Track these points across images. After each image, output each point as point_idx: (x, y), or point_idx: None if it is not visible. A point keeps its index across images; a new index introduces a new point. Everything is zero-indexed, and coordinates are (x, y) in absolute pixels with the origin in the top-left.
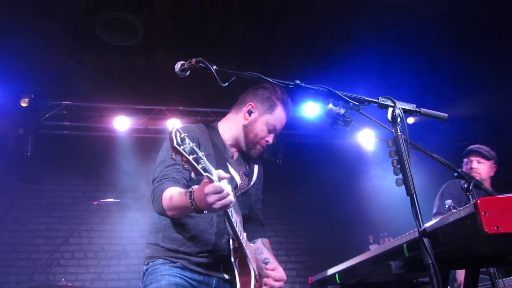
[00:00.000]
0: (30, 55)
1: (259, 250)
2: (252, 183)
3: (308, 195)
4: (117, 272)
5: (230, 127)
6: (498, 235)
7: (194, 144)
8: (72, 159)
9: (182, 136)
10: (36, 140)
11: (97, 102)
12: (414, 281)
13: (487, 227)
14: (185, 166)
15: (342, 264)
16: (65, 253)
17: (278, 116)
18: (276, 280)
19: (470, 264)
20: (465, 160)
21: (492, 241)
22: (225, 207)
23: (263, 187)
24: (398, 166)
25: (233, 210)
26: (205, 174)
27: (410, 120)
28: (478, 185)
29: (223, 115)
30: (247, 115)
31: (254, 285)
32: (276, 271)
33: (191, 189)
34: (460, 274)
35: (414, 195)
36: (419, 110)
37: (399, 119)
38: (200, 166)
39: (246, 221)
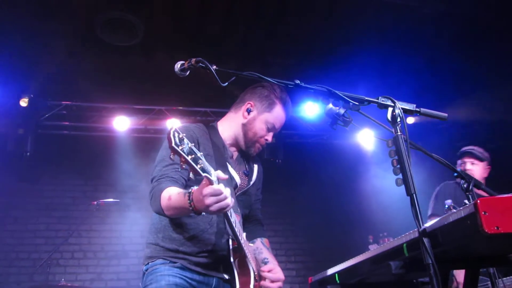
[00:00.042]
0: (30, 55)
1: (258, 250)
2: (252, 182)
3: (308, 195)
4: (116, 272)
5: (229, 126)
6: (498, 235)
7: (193, 144)
8: (72, 159)
9: (180, 136)
10: (36, 140)
11: (96, 102)
12: (414, 281)
13: (487, 227)
14: (184, 166)
15: (342, 264)
16: (64, 253)
17: (277, 114)
18: (273, 281)
19: (470, 264)
20: (459, 161)
21: (492, 241)
22: (223, 210)
23: (263, 187)
24: (398, 166)
25: (232, 211)
26: (203, 174)
27: (410, 120)
28: (478, 185)
29: (223, 115)
30: (246, 113)
31: (254, 285)
32: (273, 272)
33: (190, 190)
34: (459, 275)
35: (414, 195)
36: (419, 110)
37: (399, 119)
38: (199, 166)
39: (246, 221)
